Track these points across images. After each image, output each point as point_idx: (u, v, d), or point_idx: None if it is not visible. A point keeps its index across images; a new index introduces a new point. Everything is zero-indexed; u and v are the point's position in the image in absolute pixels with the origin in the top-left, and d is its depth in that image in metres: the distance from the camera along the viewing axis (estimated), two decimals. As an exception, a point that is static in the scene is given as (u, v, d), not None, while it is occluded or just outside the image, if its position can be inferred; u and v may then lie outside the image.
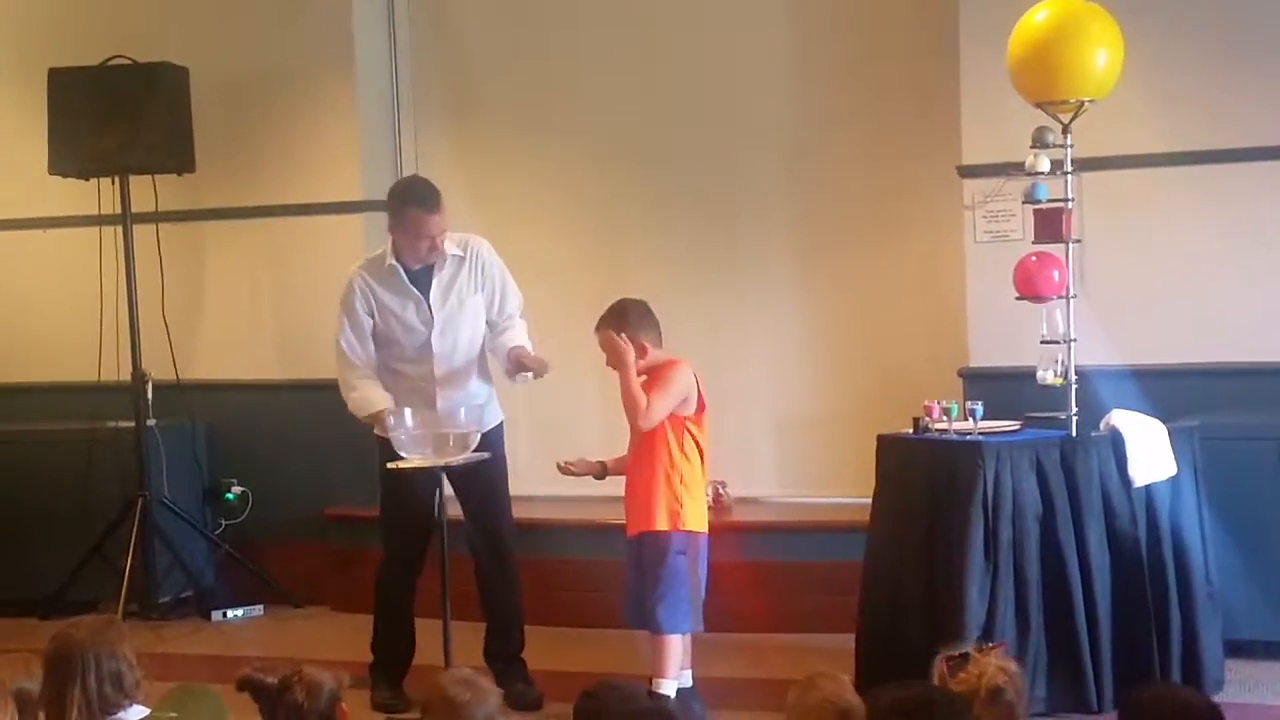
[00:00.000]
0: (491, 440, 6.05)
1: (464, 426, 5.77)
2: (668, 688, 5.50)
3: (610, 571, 6.13)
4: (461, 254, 6.10)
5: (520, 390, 7.92)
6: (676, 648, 5.58)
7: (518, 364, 6.04)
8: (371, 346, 6.11)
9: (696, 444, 5.64)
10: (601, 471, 5.86)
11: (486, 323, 6.15)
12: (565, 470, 5.89)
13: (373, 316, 6.08)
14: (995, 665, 3.49)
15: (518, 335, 6.16)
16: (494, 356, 6.18)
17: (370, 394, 6.06)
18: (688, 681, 5.68)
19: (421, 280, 6.06)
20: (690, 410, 5.62)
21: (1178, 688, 3.76)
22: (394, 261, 6.04)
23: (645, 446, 5.63)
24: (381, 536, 6.29)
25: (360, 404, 6.08)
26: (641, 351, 5.62)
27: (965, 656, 3.54)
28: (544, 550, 7.09)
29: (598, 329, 5.72)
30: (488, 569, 6.18)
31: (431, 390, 6.06)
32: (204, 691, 4.06)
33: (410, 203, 6.01)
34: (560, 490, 6.57)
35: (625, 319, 5.67)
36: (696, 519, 5.61)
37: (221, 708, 3.93)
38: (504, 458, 6.20)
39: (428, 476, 5.77)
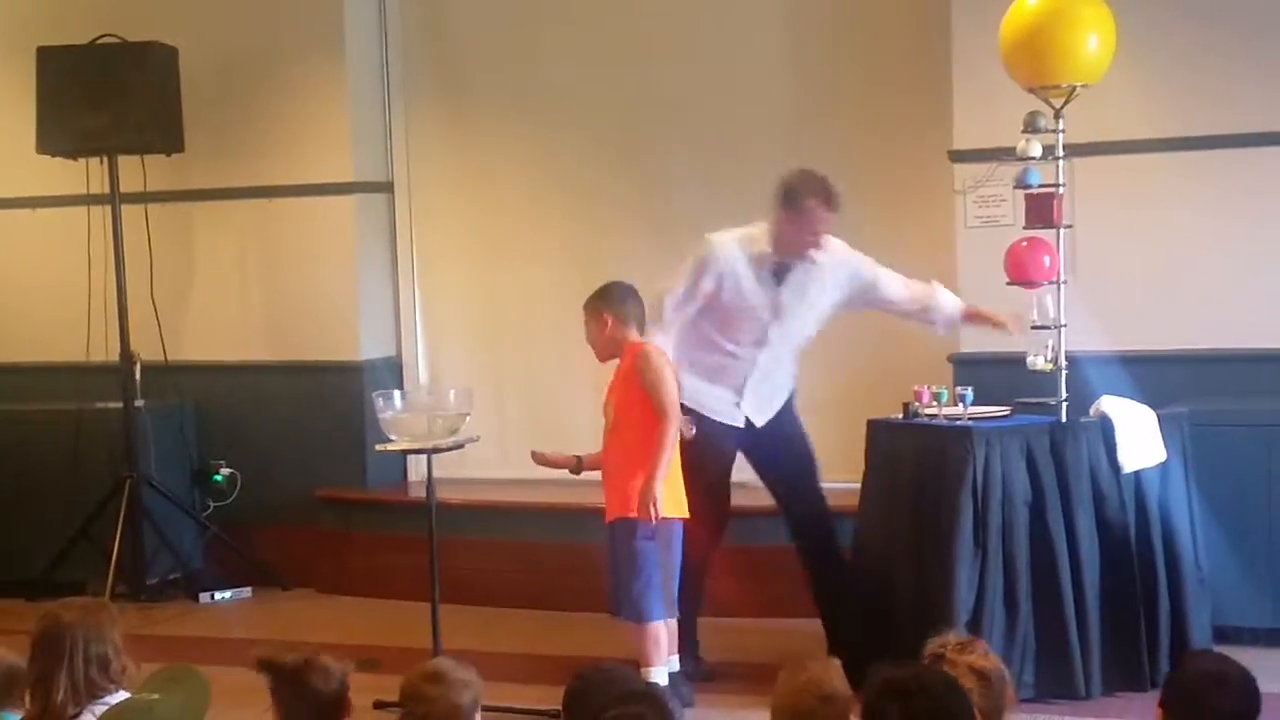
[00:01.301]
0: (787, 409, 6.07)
1: (453, 409, 5.76)
2: (657, 675, 5.47)
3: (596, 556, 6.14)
4: (829, 260, 5.98)
5: (509, 377, 7.94)
6: (660, 634, 5.56)
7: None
8: (693, 312, 5.95)
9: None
10: (576, 466, 5.82)
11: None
12: (539, 459, 5.86)
13: (720, 287, 5.91)
14: (966, 666, 3.47)
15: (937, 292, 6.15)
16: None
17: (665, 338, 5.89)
18: (675, 666, 5.67)
19: (780, 272, 5.95)
20: None
21: (1215, 656, 3.78)
22: (767, 250, 5.93)
23: (620, 433, 5.61)
24: None
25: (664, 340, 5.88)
26: (604, 325, 5.61)
27: (939, 659, 3.52)
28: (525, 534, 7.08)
29: (585, 307, 5.72)
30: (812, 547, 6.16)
31: (744, 375, 6.00)
32: (188, 672, 4.04)
33: (809, 193, 5.86)
34: (546, 474, 6.53)
35: (608, 299, 5.66)
36: (670, 505, 5.54)
37: (205, 689, 3.92)
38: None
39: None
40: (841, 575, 6.07)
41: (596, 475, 5.76)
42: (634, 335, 5.65)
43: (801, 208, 5.85)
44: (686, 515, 5.63)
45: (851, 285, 6.06)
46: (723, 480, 6.08)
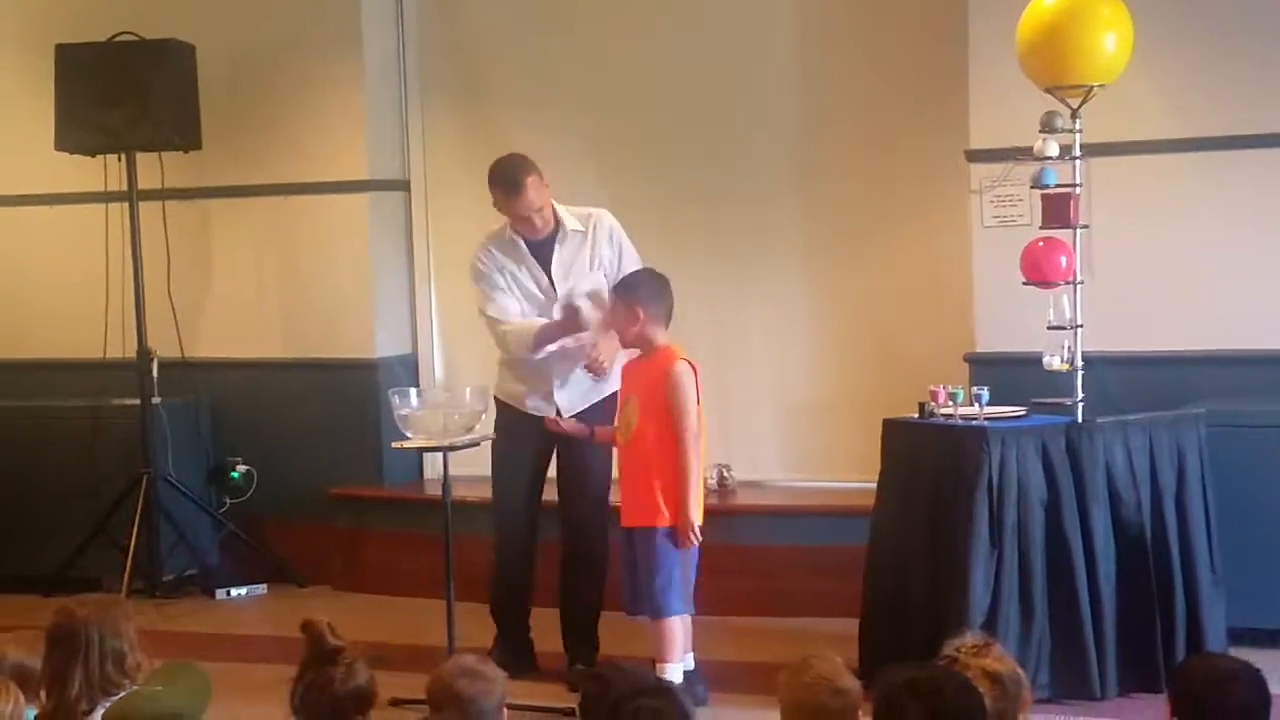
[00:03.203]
0: (596, 412, 6.11)
1: (468, 407, 5.77)
2: (673, 672, 5.49)
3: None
4: (583, 229, 6.12)
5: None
6: (677, 631, 5.58)
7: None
8: (518, 308, 6.09)
9: None
10: (590, 435, 5.88)
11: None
12: (552, 426, 5.90)
13: (507, 283, 6.09)
14: (980, 669, 3.47)
15: None
16: None
17: (521, 324, 6.04)
18: (690, 664, 5.68)
19: (543, 253, 6.09)
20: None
21: (1224, 657, 3.79)
22: (513, 235, 6.07)
23: (642, 438, 5.62)
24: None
25: (521, 332, 6.03)
26: (634, 318, 5.61)
27: (953, 662, 3.52)
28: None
29: (614, 292, 5.76)
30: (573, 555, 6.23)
31: (548, 364, 6.08)
32: (191, 668, 4.06)
33: (493, 184, 6.08)
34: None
35: (641, 293, 5.67)
36: (695, 511, 5.58)
37: (206, 684, 3.93)
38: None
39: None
40: (599, 588, 6.17)
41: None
42: (662, 335, 5.67)
43: (493, 196, 6.09)
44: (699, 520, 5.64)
45: (606, 261, 6.14)
46: (540, 475, 6.18)
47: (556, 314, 6.05)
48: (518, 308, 6.08)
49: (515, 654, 5.95)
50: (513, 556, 6.20)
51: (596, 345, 6.00)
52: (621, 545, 5.74)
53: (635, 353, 5.83)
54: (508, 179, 6.04)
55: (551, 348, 6.03)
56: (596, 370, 6.03)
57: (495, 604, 6.26)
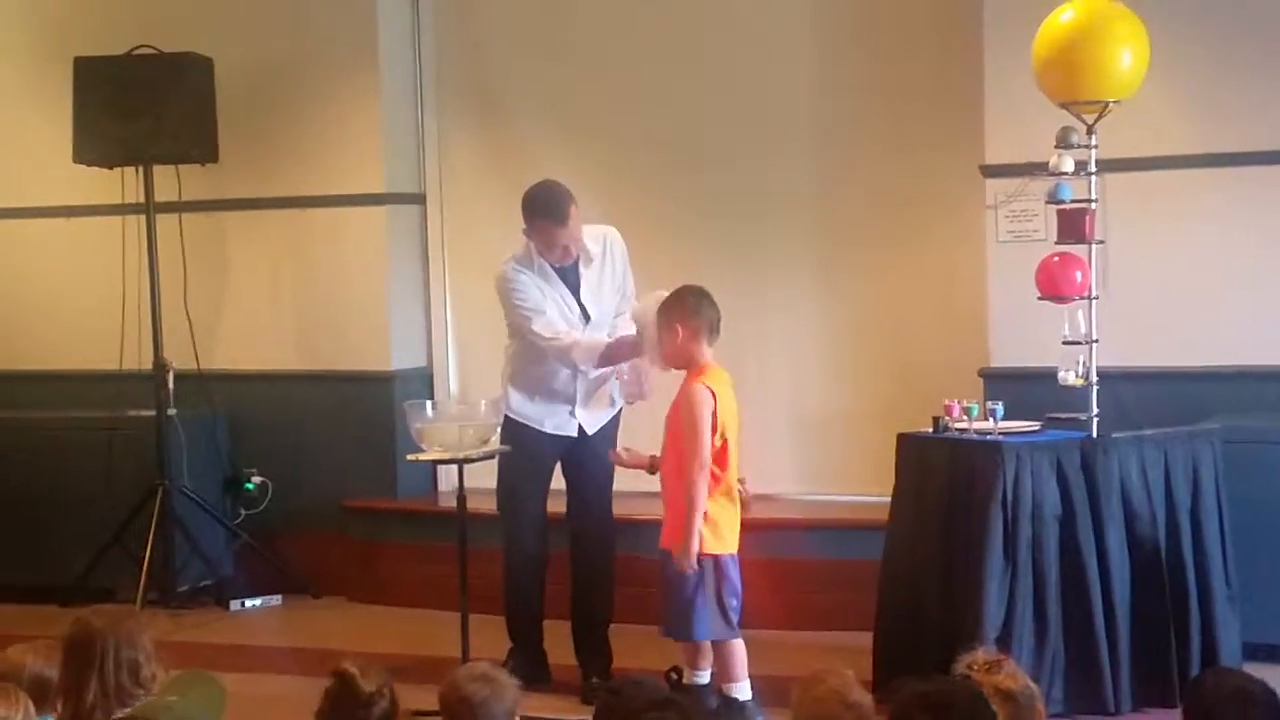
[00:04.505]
0: (611, 428, 6.17)
1: (483, 419, 5.78)
2: (740, 691, 5.48)
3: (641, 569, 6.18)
4: (600, 249, 6.12)
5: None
6: (737, 652, 5.52)
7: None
8: (564, 324, 6.04)
9: (712, 473, 5.50)
10: (651, 466, 5.73)
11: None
12: (616, 459, 5.87)
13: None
14: (993, 687, 3.47)
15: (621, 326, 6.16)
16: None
17: (589, 339, 6.00)
18: (705, 679, 5.65)
19: (569, 278, 6.07)
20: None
21: (1237, 673, 3.78)
22: (541, 260, 6.04)
23: (668, 460, 5.59)
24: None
25: (590, 348, 5.98)
26: (675, 334, 5.52)
27: (966, 680, 3.52)
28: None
29: (657, 313, 5.63)
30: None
31: (573, 386, 6.10)
32: (206, 678, 4.07)
33: (537, 213, 6.01)
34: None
35: (681, 308, 5.54)
36: (713, 542, 5.48)
37: (221, 694, 3.94)
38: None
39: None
40: (609, 600, 6.20)
41: (634, 484, 5.78)
42: (706, 350, 5.54)
43: (534, 225, 6.01)
44: (734, 551, 5.55)
45: (618, 281, 6.18)
46: (544, 493, 6.21)
47: (590, 333, 6.04)
48: (564, 324, 6.03)
49: (529, 665, 5.95)
50: (526, 571, 6.22)
51: (646, 368, 5.97)
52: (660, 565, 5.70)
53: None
54: (555, 209, 5.98)
55: (608, 369, 6.03)
56: (638, 396, 6.05)
57: (510, 616, 6.27)
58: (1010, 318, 6.67)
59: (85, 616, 4.00)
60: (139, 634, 3.97)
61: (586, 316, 6.08)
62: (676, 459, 5.52)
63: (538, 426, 6.14)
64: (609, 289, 6.15)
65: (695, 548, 5.42)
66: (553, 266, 6.05)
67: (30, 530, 7.92)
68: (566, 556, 6.27)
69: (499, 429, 5.88)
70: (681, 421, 5.49)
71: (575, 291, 6.08)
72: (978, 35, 6.85)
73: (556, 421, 6.14)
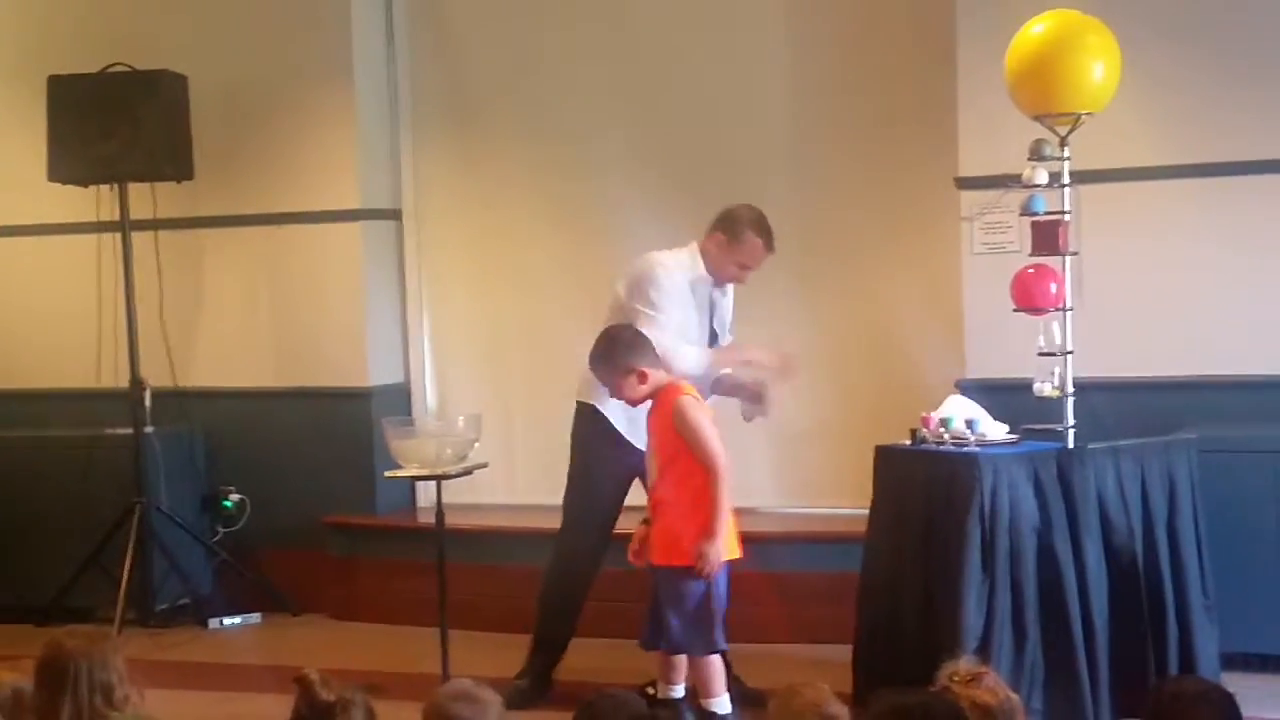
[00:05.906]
0: None
1: (461, 435, 5.78)
2: (719, 705, 5.48)
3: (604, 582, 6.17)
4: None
5: (518, 403, 7.98)
6: (716, 666, 5.52)
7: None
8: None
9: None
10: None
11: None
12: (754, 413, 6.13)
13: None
14: (970, 700, 3.47)
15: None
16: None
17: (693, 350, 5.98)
18: (680, 693, 5.65)
19: (703, 297, 6.10)
20: None
21: (1196, 679, 3.80)
22: (707, 274, 6.05)
23: (666, 479, 5.58)
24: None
25: (700, 356, 5.98)
26: (642, 377, 5.50)
27: (945, 692, 3.53)
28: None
29: (607, 367, 5.57)
30: None
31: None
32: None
33: (751, 229, 6.03)
34: (555, 500, 6.53)
35: (631, 353, 5.51)
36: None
37: None
38: None
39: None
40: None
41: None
42: (663, 374, 5.56)
43: (743, 238, 6.01)
44: (738, 555, 5.56)
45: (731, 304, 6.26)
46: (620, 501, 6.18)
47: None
48: (681, 338, 5.97)
49: (538, 680, 6.00)
50: (584, 562, 6.15)
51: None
52: (652, 582, 5.68)
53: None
54: (768, 234, 6.04)
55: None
56: (760, 414, 6.17)
57: (544, 615, 6.22)
58: (986, 329, 6.69)
59: (58, 638, 3.99)
60: (112, 656, 3.96)
61: (714, 339, 6.10)
62: (678, 473, 5.50)
63: (633, 441, 6.02)
64: (728, 318, 6.22)
65: (723, 553, 5.42)
66: (704, 285, 6.04)
67: (7, 549, 7.90)
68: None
69: (476, 444, 5.85)
70: (680, 435, 5.47)
71: (711, 313, 6.10)
72: (951, 49, 6.87)
73: (630, 430, 6.06)
